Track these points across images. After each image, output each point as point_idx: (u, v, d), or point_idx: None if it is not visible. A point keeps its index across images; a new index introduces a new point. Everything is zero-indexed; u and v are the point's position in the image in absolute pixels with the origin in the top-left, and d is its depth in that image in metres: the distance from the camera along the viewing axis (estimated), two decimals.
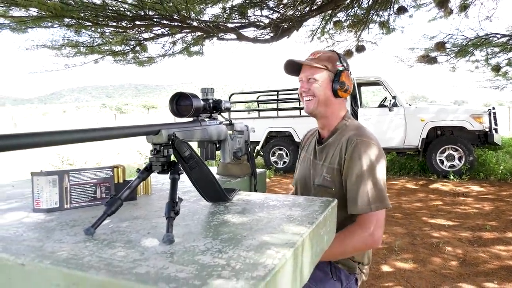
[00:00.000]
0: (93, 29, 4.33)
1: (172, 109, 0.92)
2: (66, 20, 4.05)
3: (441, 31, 7.44)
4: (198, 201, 1.02)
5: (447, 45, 7.61)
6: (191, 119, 0.99)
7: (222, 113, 1.16)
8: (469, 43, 7.48)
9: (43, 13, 3.77)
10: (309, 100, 1.37)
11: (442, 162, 6.52)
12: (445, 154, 6.50)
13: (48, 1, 3.29)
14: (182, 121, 0.94)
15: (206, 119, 1.06)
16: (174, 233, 0.71)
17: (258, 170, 1.53)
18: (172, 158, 0.83)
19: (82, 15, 3.78)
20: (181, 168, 0.84)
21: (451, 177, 6.29)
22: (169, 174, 0.81)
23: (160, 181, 1.36)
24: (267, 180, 6.72)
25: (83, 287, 0.56)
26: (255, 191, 1.46)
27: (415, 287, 2.62)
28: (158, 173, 0.81)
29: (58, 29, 4.30)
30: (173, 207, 0.73)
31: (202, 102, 0.98)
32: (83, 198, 0.96)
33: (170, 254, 0.63)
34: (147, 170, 0.81)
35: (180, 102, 0.92)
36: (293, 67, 1.42)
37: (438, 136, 6.68)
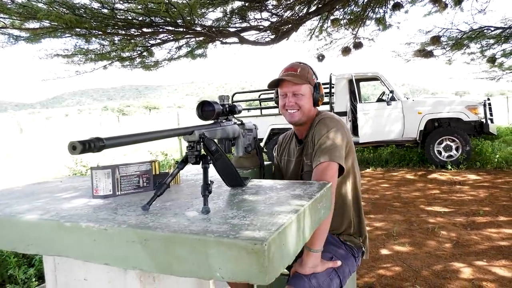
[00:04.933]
0: (103, 37, 4.58)
1: (199, 114, 1.17)
2: (78, 29, 4.30)
3: (436, 25, 7.66)
4: (220, 186, 1.27)
5: (442, 39, 7.84)
6: (212, 121, 1.24)
7: (235, 115, 1.41)
8: (464, 36, 7.70)
9: (55, 24, 4.03)
10: (294, 111, 1.58)
11: (440, 153, 6.76)
12: (442, 145, 6.73)
13: (64, 14, 3.54)
14: (207, 123, 1.19)
15: (224, 121, 1.31)
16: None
17: (265, 163, 1.78)
18: (203, 152, 1.08)
19: (93, 25, 4.03)
20: (209, 160, 1.08)
21: (449, 167, 6.53)
22: (201, 164, 1.06)
23: (184, 174, 1.60)
24: None
25: (152, 241, 0.81)
26: None
27: (411, 267, 2.87)
28: (192, 163, 1.06)
29: (70, 39, 4.56)
30: (207, 187, 0.98)
31: (221, 107, 1.23)
32: (129, 187, 1.21)
33: (209, 220, 0.88)
34: (184, 162, 1.06)
35: (204, 108, 1.17)
36: (274, 82, 1.61)
37: (436, 128, 6.91)
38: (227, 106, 1.31)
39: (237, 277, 0.73)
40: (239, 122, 1.50)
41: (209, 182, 1.00)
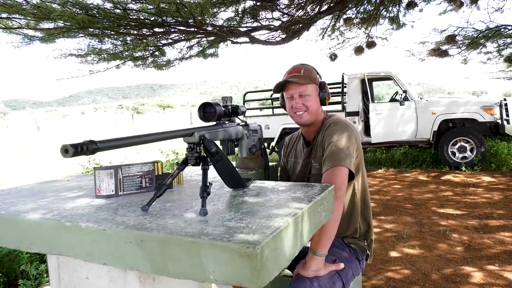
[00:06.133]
0: (115, 37, 4.64)
1: (200, 115, 1.17)
2: (91, 29, 4.36)
3: (451, 24, 7.52)
4: (222, 188, 1.28)
5: (458, 38, 7.69)
6: (214, 122, 1.24)
7: (238, 116, 1.41)
8: (480, 35, 7.54)
9: (69, 24, 4.09)
10: (302, 113, 1.57)
11: (454, 154, 6.64)
12: (456, 146, 6.61)
13: (77, 15, 3.60)
14: (209, 125, 1.19)
15: (227, 122, 1.31)
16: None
17: (270, 163, 1.78)
18: (203, 153, 1.08)
19: (106, 25, 4.08)
20: (210, 161, 1.09)
21: (463, 168, 6.41)
22: (200, 166, 1.06)
23: (188, 174, 1.61)
24: None
25: (149, 242, 0.82)
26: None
27: (420, 270, 2.83)
28: (192, 165, 1.06)
29: (83, 38, 4.63)
30: (205, 189, 0.98)
31: (223, 109, 1.23)
32: (132, 187, 1.23)
33: (205, 222, 0.88)
34: (184, 163, 1.06)
35: (206, 110, 1.18)
36: (279, 86, 1.59)
37: (450, 129, 6.79)
38: (229, 107, 1.31)
39: (230, 280, 0.73)
40: (243, 123, 1.50)
41: (208, 184, 1.01)
